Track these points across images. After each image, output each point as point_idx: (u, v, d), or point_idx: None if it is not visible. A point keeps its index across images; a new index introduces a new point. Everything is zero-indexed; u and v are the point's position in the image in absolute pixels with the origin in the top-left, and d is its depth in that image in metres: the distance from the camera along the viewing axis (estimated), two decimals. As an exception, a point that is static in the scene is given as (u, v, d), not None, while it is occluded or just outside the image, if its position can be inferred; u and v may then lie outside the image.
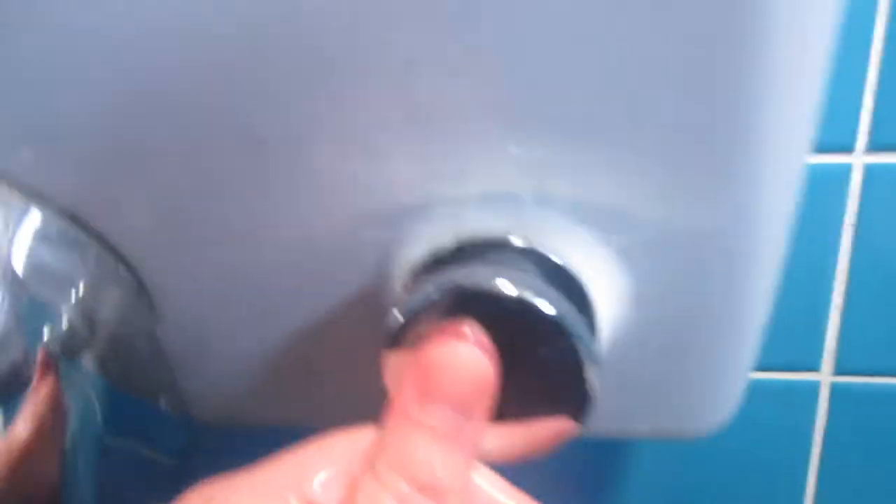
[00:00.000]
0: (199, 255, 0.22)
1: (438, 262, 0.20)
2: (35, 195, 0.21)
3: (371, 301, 0.22)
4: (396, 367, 0.19)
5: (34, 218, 0.21)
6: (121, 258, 0.22)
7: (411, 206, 0.20)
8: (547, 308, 0.18)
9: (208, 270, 0.23)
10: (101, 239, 0.22)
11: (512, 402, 0.19)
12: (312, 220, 0.21)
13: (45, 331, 0.20)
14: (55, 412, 0.20)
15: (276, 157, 0.19)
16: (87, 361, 0.21)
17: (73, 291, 0.21)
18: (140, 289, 0.23)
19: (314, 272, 0.22)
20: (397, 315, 0.18)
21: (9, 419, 0.19)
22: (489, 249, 0.20)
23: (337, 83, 0.17)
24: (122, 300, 0.23)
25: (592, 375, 0.18)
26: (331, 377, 0.25)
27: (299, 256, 0.21)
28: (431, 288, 0.18)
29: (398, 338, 0.18)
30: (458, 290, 0.18)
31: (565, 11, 0.16)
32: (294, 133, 0.19)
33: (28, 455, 0.20)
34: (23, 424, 0.19)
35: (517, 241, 0.20)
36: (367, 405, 0.23)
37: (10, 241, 0.21)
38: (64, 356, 0.21)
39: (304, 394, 0.26)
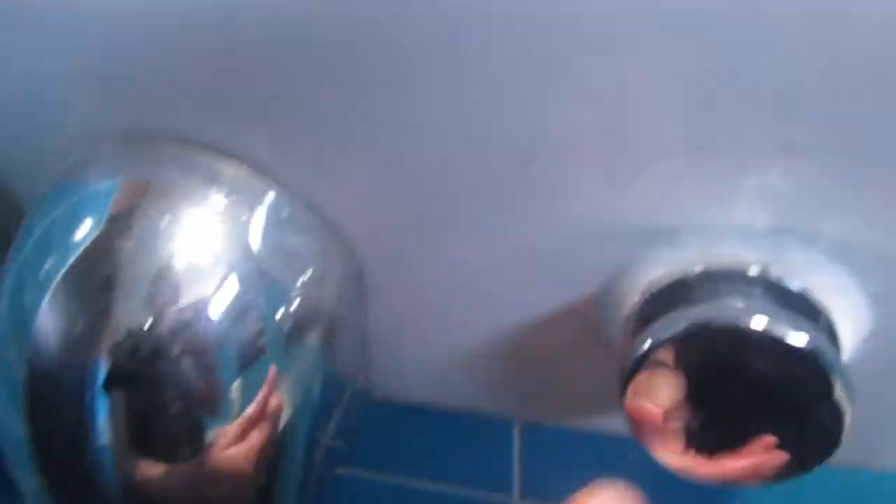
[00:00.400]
0: (431, 248, 0.23)
1: (681, 286, 0.19)
2: (273, 179, 0.22)
3: (584, 309, 0.22)
4: (636, 389, 0.18)
5: (272, 200, 0.22)
6: (347, 242, 0.23)
7: (662, 229, 0.19)
8: (805, 342, 0.17)
9: (437, 262, 0.23)
10: (329, 223, 0.22)
11: (750, 431, 0.18)
12: (559, 230, 0.21)
13: (279, 308, 0.21)
14: (282, 387, 0.21)
15: (542, 168, 0.19)
16: (312, 340, 0.22)
17: (304, 272, 0.22)
18: (360, 272, 0.24)
19: (543, 275, 0.22)
20: (644, 341, 0.18)
21: (246, 388, 0.20)
22: (736, 280, 0.19)
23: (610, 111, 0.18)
24: (343, 282, 0.23)
25: (846, 410, 0.17)
26: (528, 372, 0.25)
27: (534, 259, 0.22)
28: (682, 320, 0.17)
29: (641, 362, 0.18)
30: (709, 325, 0.17)
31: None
32: (562, 147, 0.19)
33: (253, 425, 0.20)
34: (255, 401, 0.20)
35: (767, 275, 0.19)
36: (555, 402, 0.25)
37: (250, 221, 0.21)
38: (294, 334, 0.21)
39: (497, 385, 0.26)
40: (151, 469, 0.19)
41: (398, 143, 0.20)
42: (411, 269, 0.24)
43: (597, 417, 0.26)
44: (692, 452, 0.18)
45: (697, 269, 0.19)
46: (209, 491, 0.20)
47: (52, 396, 0.19)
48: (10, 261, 0.21)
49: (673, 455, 0.19)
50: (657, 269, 0.20)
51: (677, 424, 0.18)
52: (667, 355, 0.18)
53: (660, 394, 0.18)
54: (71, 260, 0.20)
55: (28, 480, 0.21)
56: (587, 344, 0.23)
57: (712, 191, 0.18)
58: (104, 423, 0.19)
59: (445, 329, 0.25)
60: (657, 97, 0.17)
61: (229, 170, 0.21)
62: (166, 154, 0.22)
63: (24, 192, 0.26)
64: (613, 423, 0.25)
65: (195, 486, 0.20)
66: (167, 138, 0.22)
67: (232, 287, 0.20)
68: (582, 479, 0.19)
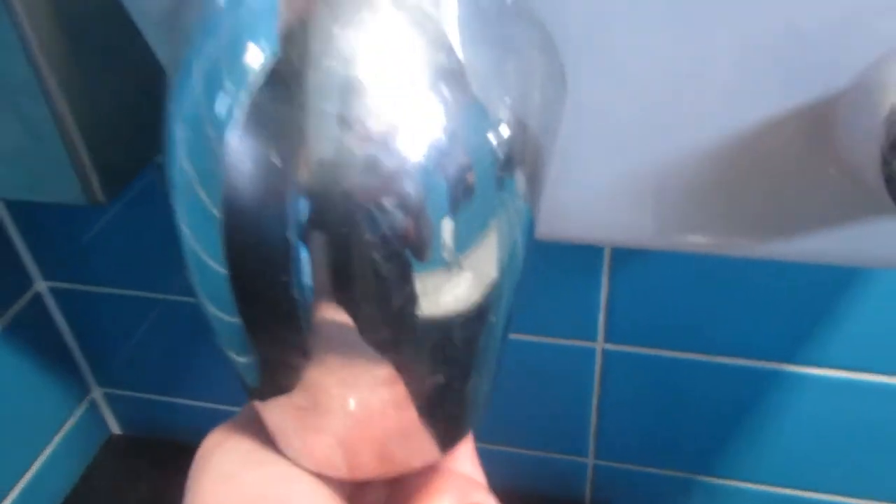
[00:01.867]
0: (641, 35, 0.19)
1: None
2: None
3: (826, 111, 0.19)
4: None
5: (473, 13, 0.18)
6: (554, 42, 0.19)
7: None
8: None
9: (646, 55, 0.19)
10: (538, 20, 0.19)
11: None
12: (812, 9, 0.17)
13: (488, 136, 0.17)
14: (493, 231, 0.18)
15: None
16: (520, 177, 0.19)
17: (510, 87, 0.18)
18: (564, 79, 0.20)
19: (778, 69, 0.18)
20: None
21: (456, 231, 0.17)
22: None
23: None
24: (549, 99, 0.19)
25: None
26: (732, 199, 0.22)
27: (778, 44, 0.18)
28: None
29: None
30: None
31: None
32: None
33: (463, 275, 0.18)
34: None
35: None
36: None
37: (446, 18, 0.17)
38: (504, 168, 0.18)
39: (692, 212, 0.23)
40: (354, 314, 0.17)
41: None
42: (612, 65, 0.20)
43: (800, 242, 0.23)
44: None
45: None
46: (412, 339, 0.18)
47: (252, 236, 0.17)
48: (177, 98, 0.18)
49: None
50: None
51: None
52: None
53: None
54: (248, 85, 0.16)
55: (227, 321, 0.19)
56: (810, 157, 0.20)
57: None
58: (306, 263, 0.17)
59: (634, 145, 0.22)
60: None
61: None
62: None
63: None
64: (820, 249, 0.23)
65: (399, 332, 0.18)
66: None
67: (434, 109, 0.17)
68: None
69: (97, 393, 0.69)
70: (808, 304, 0.46)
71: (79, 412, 0.68)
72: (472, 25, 0.18)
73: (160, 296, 0.59)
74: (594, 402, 0.55)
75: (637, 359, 0.51)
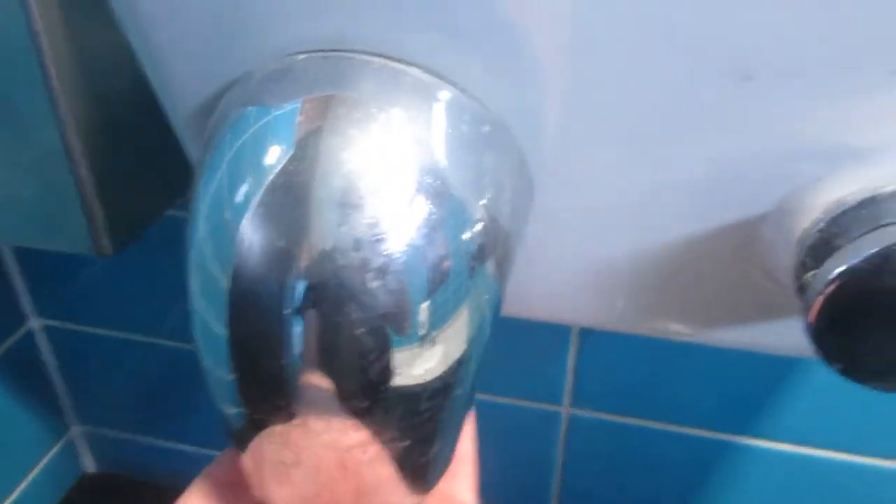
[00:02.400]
0: (605, 161, 0.22)
1: (871, 204, 0.19)
2: (450, 83, 0.21)
3: (752, 229, 0.23)
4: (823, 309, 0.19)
5: (452, 108, 0.21)
6: (520, 154, 0.23)
7: (855, 148, 0.20)
8: None
9: (607, 176, 0.23)
10: (512, 141, 0.22)
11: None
12: (749, 147, 0.21)
13: (465, 230, 0.21)
14: (464, 312, 0.21)
15: (756, 88, 0.19)
16: (490, 265, 0.22)
17: (485, 189, 0.21)
18: (532, 187, 0.23)
19: (715, 194, 0.22)
20: (847, 258, 0.18)
21: (433, 312, 0.20)
22: None
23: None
24: (516, 203, 0.23)
25: None
26: (671, 292, 0.26)
27: (713, 177, 0.22)
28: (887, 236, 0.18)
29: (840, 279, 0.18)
30: None
31: None
32: (782, 69, 0.18)
33: (436, 350, 0.21)
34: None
35: None
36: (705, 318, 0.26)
37: (433, 133, 0.21)
38: (476, 258, 0.21)
39: (638, 302, 0.27)
40: (336, 383, 0.20)
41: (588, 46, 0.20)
42: (572, 181, 0.23)
43: (730, 332, 0.26)
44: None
45: (890, 188, 0.19)
46: (385, 408, 0.21)
47: (253, 307, 0.20)
48: (203, 183, 0.21)
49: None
50: (845, 188, 0.20)
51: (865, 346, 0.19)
52: (865, 273, 0.18)
53: (848, 312, 0.18)
54: (264, 184, 0.20)
55: (223, 378, 0.22)
56: (738, 263, 0.23)
57: None
58: (298, 337, 0.20)
59: (589, 244, 0.25)
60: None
61: (408, 78, 0.21)
62: (342, 68, 0.21)
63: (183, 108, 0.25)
64: (745, 339, 0.26)
65: (373, 401, 0.21)
66: (338, 53, 0.21)
67: (420, 207, 0.20)
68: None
69: (75, 431, 0.70)
70: (763, 379, 0.49)
71: (55, 449, 0.69)
72: (454, 143, 0.21)
73: (147, 339, 0.61)
74: (558, 464, 0.57)
75: (601, 425, 0.53)
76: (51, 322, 0.61)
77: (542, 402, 0.54)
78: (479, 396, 0.59)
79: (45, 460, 0.67)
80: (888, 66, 0.18)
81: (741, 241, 0.23)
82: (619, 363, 0.51)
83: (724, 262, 0.24)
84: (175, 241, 0.54)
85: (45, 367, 0.65)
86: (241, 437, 0.23)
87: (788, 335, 0.26)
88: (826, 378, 0.48)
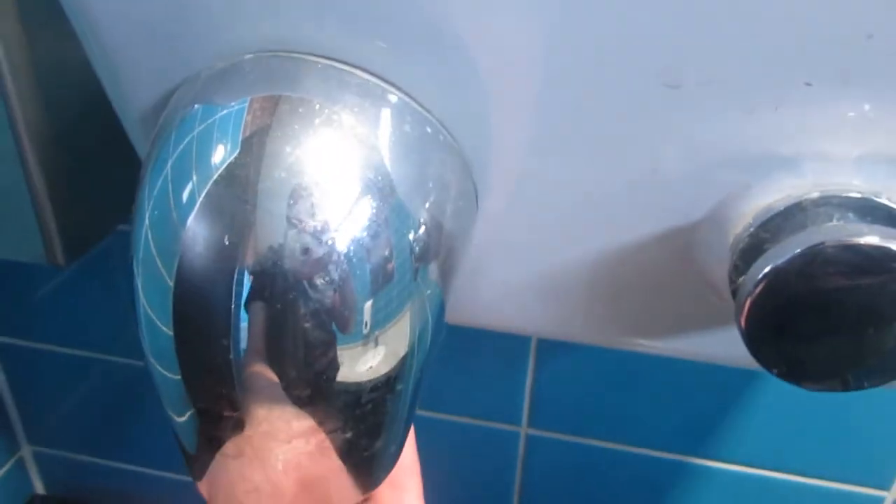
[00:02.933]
0: (543, 167, 0.23)
1: (798, 211, 0.20)
2: (395, 88, 0.22)
3: (689, 237, 0.23)
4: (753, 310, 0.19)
5: (397, 112, 0.22)
6: (468, 164, 0.23)
7: (782, 157, 0.20)
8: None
9: (546, 182, 0.23)
10: (455, 146, 0.23)
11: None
12: (680, 155, 0.21)
13: (408, 233, 0.21)
14: (407, 314, 0.21)
15: (685, 95, 0.20)
16: (433, 269, 0.22)
17: (429, 194, 0.22)
18: (475, 193, 0.24)
19: (651, 200, 0.23)
20: (773, 259, 0.19)
21: (375, 312, 0.20)
22: (852, 205, 0.20)
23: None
24: (460, 207, 0.23)
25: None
26: (613, 298, 0.26)
27: (647, 183, 0.22)
28: (814, 235, 0.19)
29: (766, 279, 0.19)
30: (839, 243, 0.18)
31: None
32: (707, 79, 0.19)
33: (378, 349, 0.21)
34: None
35: (883, 201, 0.20)
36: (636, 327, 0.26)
37: (379, 136, 0.21)
38: (420, 261, 0.21)
39: (585, 310, 0.27)
40: (280, 375, 0.20)
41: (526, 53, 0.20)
42: (516, 188, 0.24)
43: (675, 342, 0.27)
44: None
45: (814, 194, 0.20)
46: (323, 409, 0.21)
47: (198, 304, 0.20)
48: (149, 179, 0.21)
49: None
50: (773, 196, 0.21)
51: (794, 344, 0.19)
52: (790, 274, 0.19)
53: (778, 313, 0.19)
54: (210, 181, 0.20)
55: (169, 378, 0.21)
56: (678, 272, 0.24)
57: (842, 120, 0.19)
58: (245, 330, 0.20)
59: (535, 252, 0.26)
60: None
61: (354, 80, 0.21)
62: (290, 69, 0.22)
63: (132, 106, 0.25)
64: (691, 348, 0.26)
65: (314, 390, 0.21)
66: (286, 54, 0.22)
67: (365, 207, 0.20)
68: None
69: (26, 451, 0.68)
70: (717, 401, 0.50)
71: (5, 469, 0.67)
72: (399, 146, 0.22)
73: (101, 356, 0.60)
74: (517, 484, 0.57)
75: (559, 445, 0.53)
76: (2, 339, 0.60)
77: (500, 423, 0.54)
78: (438, 416, 0.59)
79: (-8, 481, 0.66)
80: (803, 77, 0.19)
81: (679, 249, 0.24)
82: (576, 384, 0.52)
83: (666, 271, 0.25)
84: (124, 261, 0.54)
85: (-5, 384, 0.64)
86: (186, 434, 0.23)
87: (736, 345, 0.26)
88: (779, 400, 0.49)
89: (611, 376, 0.50)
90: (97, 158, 0.36)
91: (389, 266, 0.21)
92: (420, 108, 0.22)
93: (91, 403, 0.64)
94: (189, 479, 0.28)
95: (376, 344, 0.21)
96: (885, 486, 0.49)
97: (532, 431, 0.53)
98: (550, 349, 0.50)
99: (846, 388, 0.22)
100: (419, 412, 0.28)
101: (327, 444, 0.21)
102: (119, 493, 0.68)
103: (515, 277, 0.27)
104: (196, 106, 0.22)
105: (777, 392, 0.48)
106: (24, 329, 0.60)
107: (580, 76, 0.21)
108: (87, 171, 0.36)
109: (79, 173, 0.35)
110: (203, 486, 0.24)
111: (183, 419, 0.22)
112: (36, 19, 0.30)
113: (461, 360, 0.52)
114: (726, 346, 0.27)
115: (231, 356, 0.20)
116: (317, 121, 0.21)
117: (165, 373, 0.22)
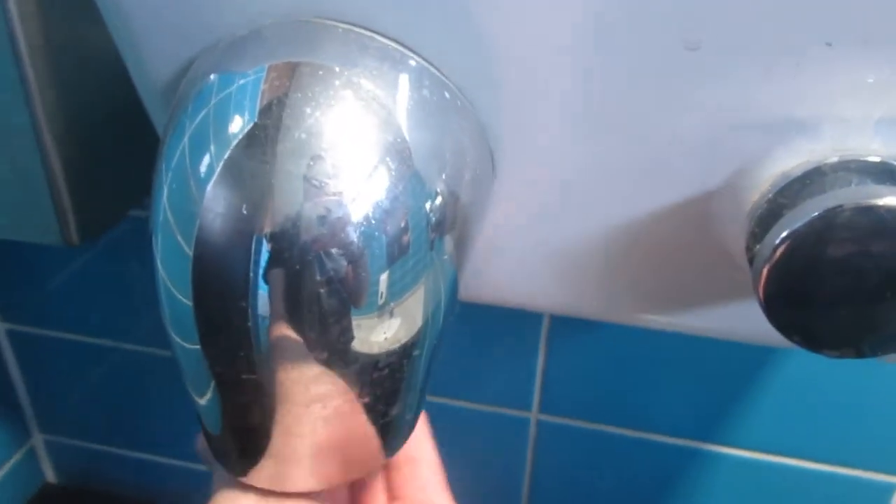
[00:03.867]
0: (561, 135, 0.23)
1: (817, 174, 0.20)
2: (428, 64, 0.22)
3: (704, 206, 0.23)
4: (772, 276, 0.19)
5: (414, 78, 0.22)
6: (485, 132, 0.23)
7: (800, 121, 0.20)
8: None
9: (564, 151, 0.23)
10: (473, 113, 0.23)
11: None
12: (700, 119, 0.21)
13: (424, 204, 0.21)
14: (422, 287, 0.21)
15: (704, 57, 0.20)
16: (448, 242, 0.22)
17: (446, 164, 0.22)
18: (492, 161, 0.24)
19: (669, 168, 0.23)
20: (790, 224, 0.19)
21: (391, 284, 0.21)
22: (871, 169, 0.20)
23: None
24: (477, 177, 0.23)
25: None
26: (636, 273, 0.26)
27: (666, 150, 0.22)
28: (831, 199, 0.19)
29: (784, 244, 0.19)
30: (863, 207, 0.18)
31: None
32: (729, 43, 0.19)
33: (392, 321, 0.21)
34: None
35: None
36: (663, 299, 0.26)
37: (397, 102, 0.21)
38: (435, 233, 0.22)
39: (600, 285, 0.27)
40: (298, 339, 0.20)
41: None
42: (532, 157, 0.24)
43: (691, 317, 0.27)
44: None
45: (833, 159, 0.20)
46: (340, 375, 0.21)
47: (217, 271, 0.20)
48: (167, 150, 0.22)
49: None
50: (791, 161, 0.21)
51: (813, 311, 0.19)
52: (808, 238, 0.19)
53: (795, 278, 0.19)
54: (228, 151, 0.20)
55: (188, 348, 0.22)
56: (695, 243, 0.24)
57: (862, 82, 0.19)
58: (264, 295, 0.20)
59: (549, 224, 0.26)
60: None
61: (373, 44, 0.21)
62: (309, 34, 0.22)
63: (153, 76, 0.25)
64: (707, 324, 0.26)
65: (332, 354, 0.21)
66: (304, 20, 0.22)
67: (381, 178, 0.20)
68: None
69: (38, 439, 0.68)
70: (730, 386, 0.49)
71: (16, 457, 0.67)
72: (418, 112, 0.22)
73: (115, 343, 0.60)
74: (527, 470, 0.57)
75: (570, 431, 0.53)
76: (15, 326, 0.60)
77: (511, 408, 0.54)
78: (449, 402, 0.59)
79: (5, 469, 0.66)
80: (823, 37, 0.19)
81: (696, 219, 0.24)
82: (587, 369, 0.52)
83: (683, 243, 0.25)
84: (139, 246, 0.53)
85: (7, 372, 0.64)
86: (210, 412, 0.23)
87: (752, 319, 0.26)
88: (794, 385, 0.49)
89: (623, 361, 0.50)
90: (113, 141, 0.36)
91: (405, 236, 0.21)
92: (439, 74, 0.22)
93: (103, 392, 0.64)
94: (201, 468, 0.28)
95: (391, 315, 0.21)
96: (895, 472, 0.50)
97: (543, 417, 0.53)
98: (562, 332, 0.50)
99: (860, 355, 0.22)
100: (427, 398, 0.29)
101: (346, 408, 0.21)
102: (131, 482, 0.68)
103: (529, 251, 0.27)
104: (213, 75, 0.22)
105: (789, 377, 0.48)
106: (36, 316, 0.60)
107: (599, 40, 0.21)
108: (103, 153, 0.36)
109: (95, 155, 0.35)
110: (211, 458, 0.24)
111: (205, 399, 0.23)
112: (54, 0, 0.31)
113: (470, 344, 0.52)
114: (743, 320, 0.27)
115: (249, 321, 0.21)
116: (336, 83, 0.21)
117: (185, 344, 0.22)
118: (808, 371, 0.48)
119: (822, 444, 0.50)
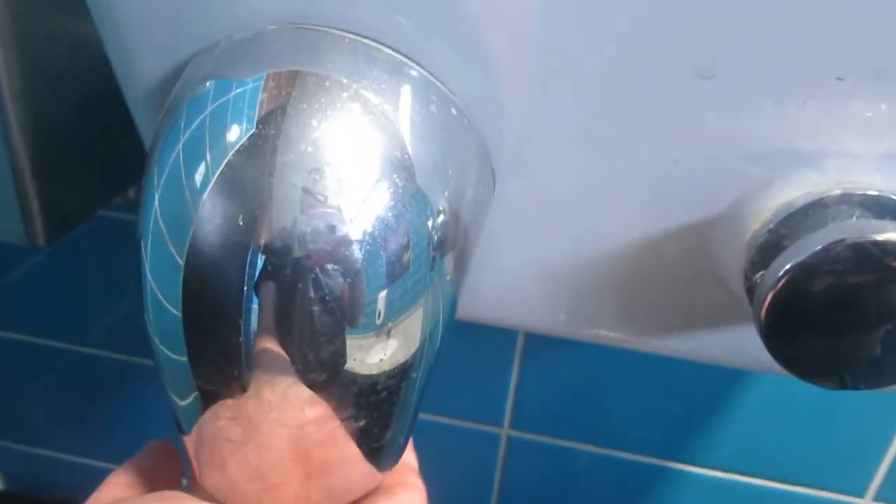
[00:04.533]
0: (563, 156, 0.23)
1: (818, 208, 0.20)
2: (418, 65, 0.21)
3: (705, 232, 0.23)
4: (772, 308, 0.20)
5: (419, 91, 0.21)
6: (489, 151, 0.23)
7: (806, 153, 0.20)
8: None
9: (565, 171, 0.23)
10: (478, 131, 0.22)
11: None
12: (703, 148, 0.21)
13: (426, 222, 0.21)
14: (420, 307, 0.21)
15: (716, 87, 0.20)
16: (449, 261, 0.22)
17: (448, 180, 0.21)
18: (493, 178, 0.23)
19: (669, 195, 0.23)
20: (795, 255, 0.19)
21: (388, 304, 0.20)
22: (872, 202, 0.20)
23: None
24: (479, 196, 0.23)
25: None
26: (624, 295, 0.26)
27: (668, 177, 0.22)
28: (834, 232, 0.19)
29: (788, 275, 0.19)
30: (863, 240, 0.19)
31: None
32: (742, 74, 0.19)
33: (389, 342, 0.21)
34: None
35: None
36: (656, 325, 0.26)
37: (400, 116, 0.21)
38: (436, 251, 0.21)
39: (594, 306, 0.27)
40: (293, 359, 0.20)
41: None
42: (533, 176, 0.24)
43: (683, 341, 0.27)
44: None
45: (836, 192, 0.20)
46: (335, 396, 0.20)
47: (209, 283, 0.19)
48: (159, 157, 0.21)
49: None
50: (793, 192, 0.21)
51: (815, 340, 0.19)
52: (813, 269, 0.19)
53: (797, 308, 0.19)
54: (224, 160, 0.19)
55: (174, 358, 0.21)
56: (691, 268, 0.24)
57: (867, 118, 0.19)
58: (255, 312, 0.19)
59: (545, 243, 0.26)
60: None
61: (379, 56, 0.21)
62: (312, 41, 0.21)
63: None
64: (698, 349, 0.27)
65: (329, 376, 0.20)
66: (302, 27, 0.21)
67: (384, 193, 0.20)
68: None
69: (-15, 445, 0.66)
70: (698, 406, 0.50)
71: (-39, 463, 0.64)
72: (424, 128, 0.21)
73: (66, 345, 0.58)
74: (496, 486, 0.57)
75: (539, 447, 0.53)
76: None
77: (482, 424, 0.54)
78: (420, 416, 0.58)
79: (-52, 476, 0.63)
80: (835, 72, 0.19)
81: (693, 244, 0.24)
82: (559, 386, 0.52)
83: (676, 265, 0.25)
84: (104, 244, 0.52)
85: (-46, 375, 0.61)
86: (188, 416, 0.22)
87: (743, 345, 0.27)
88: (759, 405, 0.49)
89: (595, 379, 0.50)
90: (84, 138, 0.35)
91: (406, 256, 0.20)
92: (445, 90, 0.22)
93: (54, 396, 0.62)
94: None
95: (389, 335, 0.21)
96: (860, 494, 0.50)
97: (514, 433, 0.53)
98: (536, 349, 0.50)
99: (856, 386, 0.22)
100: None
101: (340, 431, 0.21)
102: (82, 488, 0.66)
103: (523, 268, 0.26)
104: (210, 81, 0.21)
105: (758, 398, 0.49)
106: (-12, 317, 0.58)
107: (611, 63, 0.21)
108: (73, 151, 0.35)
109: (64, 153, 0.34)
110: (199, 475, 0.23)
111: (186, 402, 0.22)
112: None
113: (444, 358, 0.52)
114: (732, 346, 0.27)
115: (241, 338, 0.20)
116: (344, 95, 0.20)
117: (171, 354, 0.21)
118: (776, 390, 0.49)
119: (790, 463, 0.50)
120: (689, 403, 0.50)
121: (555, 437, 0.52)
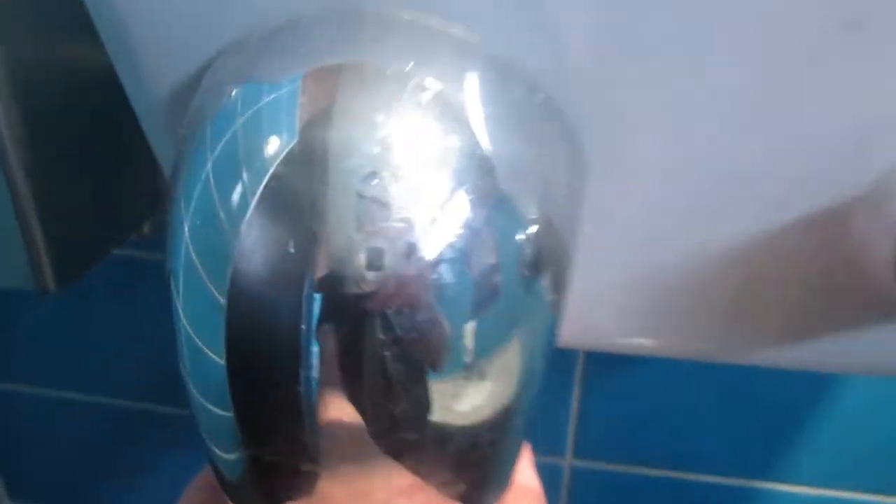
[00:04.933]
0: (673, 136, 0.19)
1: None
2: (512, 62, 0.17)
3: (843, 217, 0.19)
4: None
5: (496, 80, 0.17)
6: (581, 143, 0.19)
7: None
8: None
9: (673, 156, 0.19)
10: (569, 119, 0.18)
11: None
12: (848, 112, 0.17)
13: (516, 236, 0.17)
14: (516, 338, 0.17)
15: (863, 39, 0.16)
16: (546, 280, 0.18)
17: (538, 183, 0.17)
18: (586, 173, 0.19)
19: (804, 173, 0.19)
20: None
21: (477, 337, 0.16)
22: None
23: None
24: (573, 198, 0.19)
25: None
26: (755, 305, 0.22)
27: (802, 151, 0.18)
28: None
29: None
30: None
31: None
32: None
33: (481, 383, 0.17)
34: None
35: None
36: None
37: (471, 112, 0.17)
38: (530, 271, 0.17)
39: (705, 321, 0.23)
40: (369, 418, 0.16)
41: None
42: (631, 170, 0.20)
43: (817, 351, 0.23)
44: None
45: None
46: (426, 445, 0.17)
47: (257, 326, 0.16)
48: (186, 181, 0.17)
49: None
50: None
51: None
52: None
53: None
54: (264, 181, 0.16)
55: (218, 414, 0.17)
56: (827, 266, 0.20)
57: None
58: (316, 360, 0.16)
59: (649, 250, 0.22)
60: None
61: (443, 39, 0.17)
62: (360, 27, 0.17)
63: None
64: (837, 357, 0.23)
65: (413, 436, 0.16)
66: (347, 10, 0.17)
67: (461, 206, 0.16)
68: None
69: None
70: (778, 421, 0.46)
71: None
72: (504, 122, 0.17)
73: (87, 397, 0.55)
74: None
75: (607, 476, 0.49)
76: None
77: (544, 455, 0.50)
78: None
79: (-32, 544, 0.59)
80: None
81: (828, 232, 0.20)
82: (625, 408, 0.48)
83: (806, 263, 0.21)
84: (118, 288, 0.49)
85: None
86: (239, 490, 0.18)
87: (879, 349, 0.23)
88: (841, 418, 0.46)
89: (659, 400, 0.46)
90: (91, 179, 0.32)
91: (494, 279, 0.16)
92: (525, 74, 0.18)
93: (73, 451, 0.58)
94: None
95: (480, 378, 0.17)
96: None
97: (577, 463, 0.49)
98: (598, 369, 0.46)
99: None
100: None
101: (436, 500, 0.17)
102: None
103: (617, 280, 0.22)
104: (238, 85, 0.17)
105: (840, 410, 0.45)
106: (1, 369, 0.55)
107: (731, 8, 0.17)
108: (81, 190, 0.32)
109: (71, 192, 0.31)
110: None
111: (231, 456, 0.18)
112: (24, 27, 0.27)
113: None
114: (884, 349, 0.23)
115: (302, 389, 0.16)
116: (394, 96, 0.16)
117: (215, 409, 0.17)
118: (855, 403, 0.45)
119: (888, 474, 0.47)
120: (772, 416, 0.46)
121: (623, 463, 0.48)
